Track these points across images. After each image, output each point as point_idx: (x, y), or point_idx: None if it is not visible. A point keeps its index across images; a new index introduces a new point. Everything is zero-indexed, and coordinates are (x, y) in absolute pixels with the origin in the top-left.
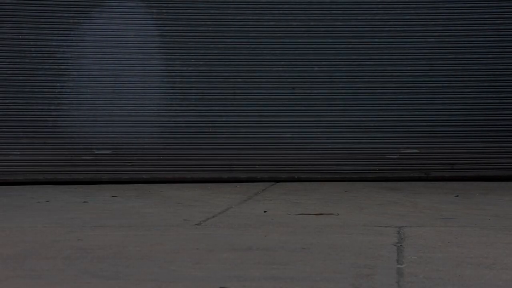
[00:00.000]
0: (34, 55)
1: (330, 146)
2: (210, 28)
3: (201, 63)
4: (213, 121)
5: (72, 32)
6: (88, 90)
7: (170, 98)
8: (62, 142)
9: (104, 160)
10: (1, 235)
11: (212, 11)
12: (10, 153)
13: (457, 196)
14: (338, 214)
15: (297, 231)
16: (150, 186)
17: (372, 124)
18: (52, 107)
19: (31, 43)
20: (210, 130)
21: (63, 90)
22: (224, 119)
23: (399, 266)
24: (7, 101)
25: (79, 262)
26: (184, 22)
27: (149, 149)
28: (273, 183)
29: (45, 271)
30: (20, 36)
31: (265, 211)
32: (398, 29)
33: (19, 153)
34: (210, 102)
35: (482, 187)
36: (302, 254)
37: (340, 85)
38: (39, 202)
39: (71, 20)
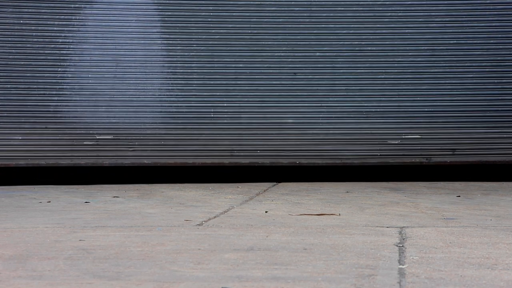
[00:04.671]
0: (35, 40)
1: (331, 132)
2: (211, 13)
3: (202, 48)
4: (215, 106)
5: (73, 17)
6: (89, 75)
7: (172, 83)
8: (63, 127)
9: (106, 145)
10: (3, 236)
11: None
12: (12, 138)
13: (459, 196)
14: (339, 214)
15: (298, 231)
16: (152, 186)
17: (373, 110)
18: (54, 92)
19: (32, 28)
20: (212, 115)
21: (65, 75)
22: (225, 104)
23: (400, 266)
24: (8, 86)
25: (80, 262)
26: (185, 7)
27: (151, 134)
28: (275, 183)
29: (47, 271)
30: (21, 21)
31: (266, 212)
32: (400, 14)
33: (20, 138)
34: (211, 88)
35: (484, 187)
36: (303, 254)
37: (342, 71)
38: (40, 202)
39: (72, 5)
